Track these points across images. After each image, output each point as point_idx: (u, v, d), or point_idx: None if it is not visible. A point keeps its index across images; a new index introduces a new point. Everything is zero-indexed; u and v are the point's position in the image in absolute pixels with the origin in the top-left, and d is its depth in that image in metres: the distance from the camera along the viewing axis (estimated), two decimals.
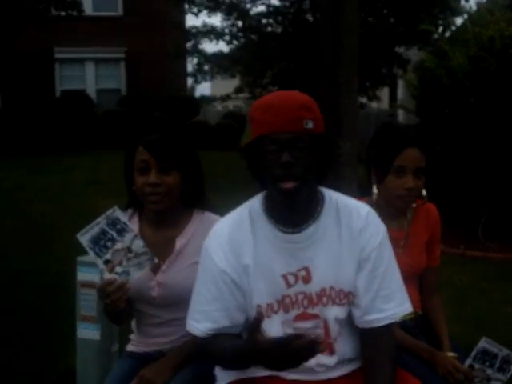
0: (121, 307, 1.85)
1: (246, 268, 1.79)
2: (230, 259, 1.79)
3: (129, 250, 1.82)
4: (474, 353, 2.03)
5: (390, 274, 1.84)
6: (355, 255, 1.80)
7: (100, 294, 1.83)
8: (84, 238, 1.79)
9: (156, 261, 1.87)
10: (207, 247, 1.84)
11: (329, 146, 1.78)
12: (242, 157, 1.80)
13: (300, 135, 1.67)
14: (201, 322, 1.80)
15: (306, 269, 1.79)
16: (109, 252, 1.80)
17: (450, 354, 2.17)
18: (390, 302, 1.81)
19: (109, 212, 1.82)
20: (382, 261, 1.82)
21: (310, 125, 1.67)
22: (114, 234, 1.80)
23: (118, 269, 1.80)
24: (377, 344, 1.81)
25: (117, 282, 1.79)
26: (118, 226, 1.82)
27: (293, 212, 1.78)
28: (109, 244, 1.80)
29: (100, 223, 1.80)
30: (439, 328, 2.33)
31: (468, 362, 2.05)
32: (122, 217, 1.84)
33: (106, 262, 1.80)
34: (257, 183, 1.83)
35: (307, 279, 1.79)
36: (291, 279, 1.79)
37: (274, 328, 1.79)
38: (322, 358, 1.80)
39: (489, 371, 2.03)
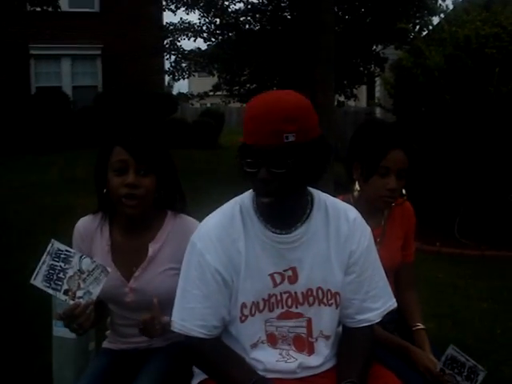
0: (88, 327, 1.87)
1: (236, 267, 1.77)
2: (222, 258, 1.76)
3: (80, 271, 1.85)
4: (443, 358, 2.05)
5: (377, 274, 1.89)
6: (343, 259, 1.82)
7: (67, 321, 1.84)
8: (37, 280, 1.83)
9: (110, 269, 1.88)
10: (196, 243, 1.79)
11: (320, 150, 1.71)
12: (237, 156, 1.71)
13: (279, 149, 1.59)
14: (188, 320, 1.76)
15: (293, 269, 1.79)
16: (64, 282, 1.83)
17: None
18: (379, 301, 1.87)
19: (48, 248, 1.84)
20: (370, 263, 1.86)
21: (292, 138, 1.59)
22: (62, 265, 1.83)
23: (79, 293, 1.83)
24: (359, 341, 1.85)
25: (83, 303, 1.82)
26: (62, 256, 1.85)
27: (281, 215, 1.77)
28: (61, 275, 1.83)
29: (45, 261, 1.84)
30: (414, 322, 2.34)
31: (439, 365, 2.07)
32: (62, 246, 1.86)
33: (66, 292, 1.83)
34: (242, 181, 1.78)
35: (293, 279, 1.79)
36: (278, 278, 1.78)
37: (257, 326, 1.80)
38: (301, 358, 1.81)
39: (458, 378, 2.04)
